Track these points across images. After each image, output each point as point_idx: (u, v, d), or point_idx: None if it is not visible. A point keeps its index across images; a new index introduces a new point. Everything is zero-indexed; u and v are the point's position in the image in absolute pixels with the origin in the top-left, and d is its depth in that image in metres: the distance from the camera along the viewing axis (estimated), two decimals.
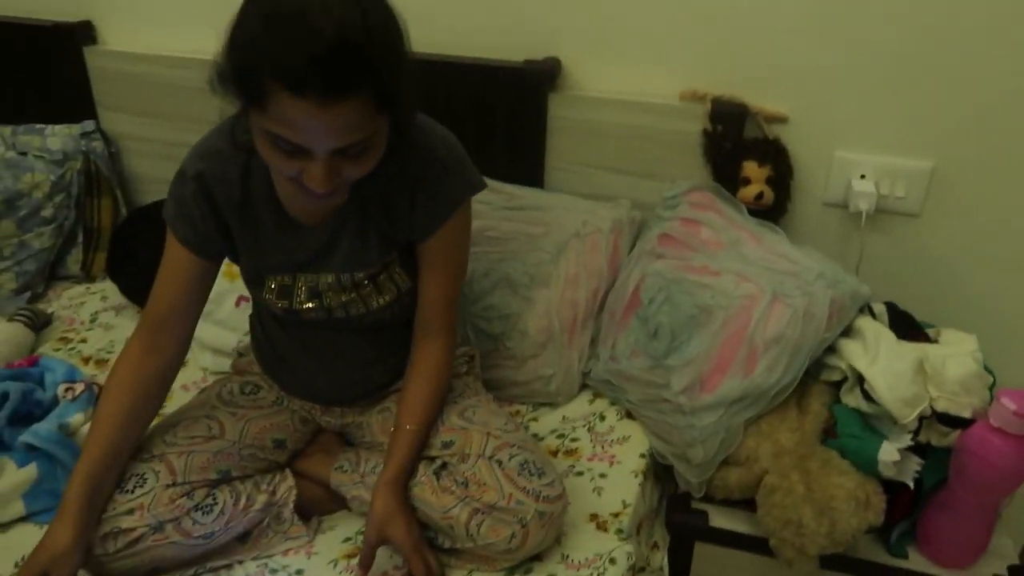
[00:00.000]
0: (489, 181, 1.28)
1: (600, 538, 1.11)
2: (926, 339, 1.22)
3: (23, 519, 1.16)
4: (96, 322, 1.63)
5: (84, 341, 1.57)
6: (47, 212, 1.68)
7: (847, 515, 1.10)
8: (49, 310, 1.65)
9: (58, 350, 1.53)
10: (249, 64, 0.83)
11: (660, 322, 1.29)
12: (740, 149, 1.39)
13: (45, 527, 1.13)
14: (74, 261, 1.75)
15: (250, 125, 0.90)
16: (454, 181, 1.07)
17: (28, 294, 1.67)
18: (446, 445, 1.10)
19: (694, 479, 1.24)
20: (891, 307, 1.27)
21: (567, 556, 1.08)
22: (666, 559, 1.25)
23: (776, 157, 1.38)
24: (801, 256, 1.27)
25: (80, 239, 1.75)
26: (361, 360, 1.18)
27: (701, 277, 1.30)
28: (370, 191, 1.04)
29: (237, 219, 1.06)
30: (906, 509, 1.17)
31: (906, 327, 1.23)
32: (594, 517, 1.15)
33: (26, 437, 1.21)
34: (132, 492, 1.03)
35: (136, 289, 1.62)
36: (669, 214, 1.40)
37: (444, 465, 1.09)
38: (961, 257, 1.39)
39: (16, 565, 1.08)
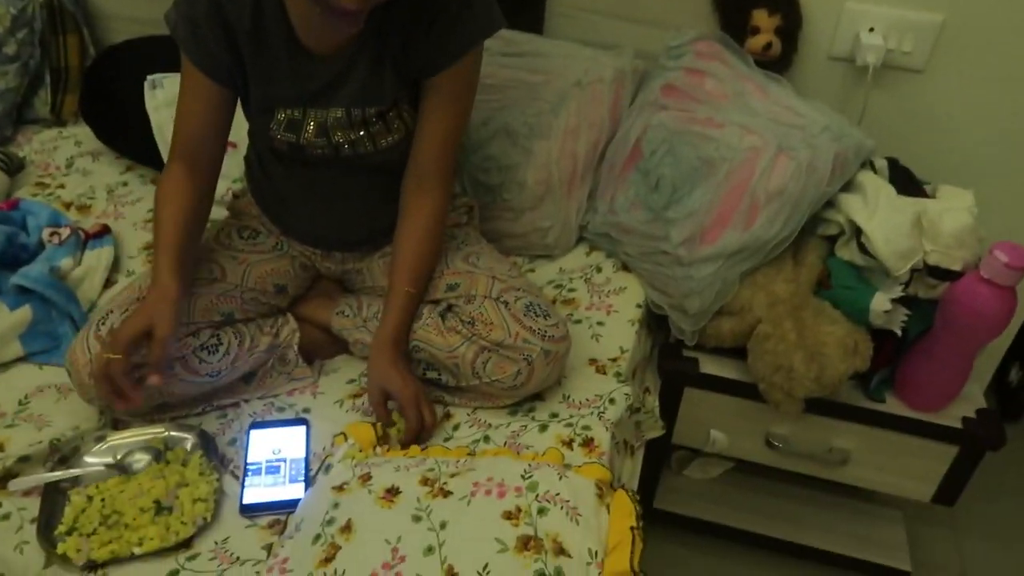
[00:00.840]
0: None
1: (600, 380, 1.15)
2: (924, 195, 1.24)
3: (22, 359, 1.15)
4: (73, 167, 1.56)
5: (62, 187, 1.51)
6: (9, 49, 1.56)
7: (836, 360, 1.15)
8: (20, 154, 1.57)
9: (36, 195, 1.48)
10: None
11: (662, 174, 1.28)
12: None
13: (45, 367, 1.14)
14: (42, 103, 1.65)
15: None
16: (475, 18, 1.01)
17: None
18: (451, 288, 1.11)
19: (688, 328, 1.27)
20: (892, 162, 1.27)
21: (568, 396, 1.12)
22: (657, 403, 1.30)
23: (787, 6, 1.33)
24: (807, 109, 1.26)
25: (47, 80, 1.64)
26: (366, 202, 1.15)
27: (705, 129, 1.28)
28: (388, 20, 0.99)
29: (249, 44, 1.01)
30: (889, 357, 1.22)
31: (905, 182, 1.24)
32: (593, 361, 1.18)
33: (17, 279, 1.18)
34: None
35: (113, 133, 1.55)
36: (673, 64, 1.36)
37: (450, 307, 1.09)
38: (962, 114, 1.38)
39: (20, 403, 1.09)
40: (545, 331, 1.05)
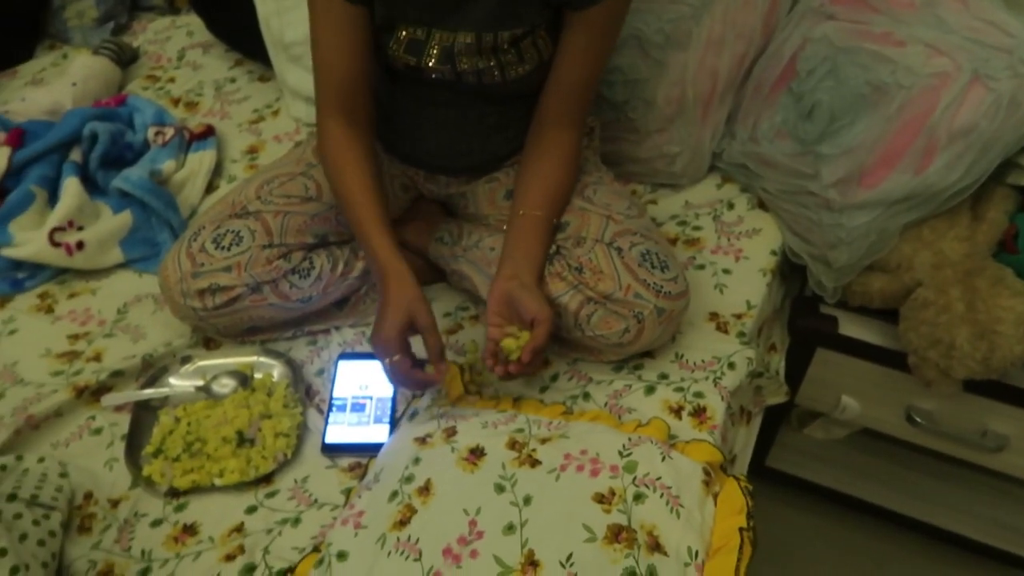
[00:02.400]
0: None
1: (719, 339, 1.02)
2: None
3: (122, 266, 1.14)
4: (184, 60, 1.52)
5: (172, 80, 1.47)
6: None
7: (1012, 341, 0.96)
8: (135, 44, 1.54)
9: (146, 88, 1.45)
10: None
11: (819, 99, 1.09)
12: None
13: (144, 274, 1.13)
14: None
15: None
16: None
17: (112, 24, 1.56)
18: (560, 227, 0.99)
19: (830, 284, 1.10)
20: None
21: (682, 356, 1.00)
22: (783, 363, 1.16)
23: None
24: (1020, 26, 1.01)
25: None
26: (482, 128, 1.04)
27: (881, 47, 1.06)
28: None
29: None
30: None
31: None
32: (714, 316, 1.05)
33: (118, 182, 1.16)
34: (228, 249, 0.97)
35: (222, 24, 1.49)
36: None
37: (557, 249, 0.98)
38: None
39: (118, 311, 1.08)
40: (661, 286, 0.92)
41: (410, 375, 0.89)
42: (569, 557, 0.72)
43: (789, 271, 1.21)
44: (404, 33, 0.93)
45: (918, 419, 1.15)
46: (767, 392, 1.10)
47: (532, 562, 0.72)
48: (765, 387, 1.09)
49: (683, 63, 1.16)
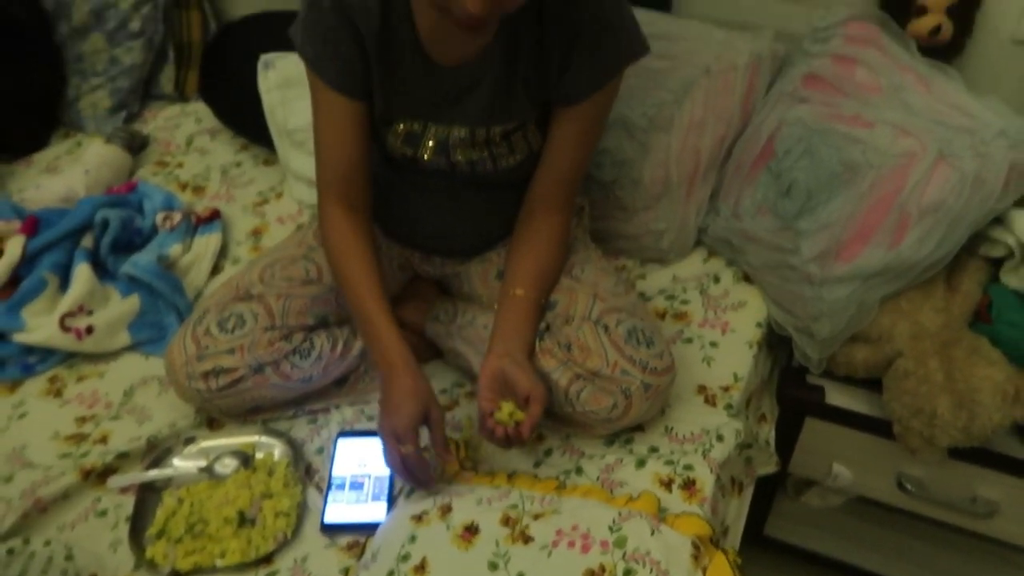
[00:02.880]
0: None
1: (708, 412, 1.05)
2: None
3: (129, 348, 1.18)
4: (192, 146, 1.59)
5: (181, 166, 1.54)
6: (135, 25, 1.59)
7: (990, 410, 0.99)
8: (145, 131, 1.61)
9: (156, 175, 1.51)
10: None
11: (795, 178, 1.14)
12: None
13: (151, 357, 1.16)
14: (167, 79, 1.69)
15: None
16: (619, 44, 0.93)
17: (124, 113, 1.64)
18: (550, 305, 1.03)
19: (815, 355, 1.14)
20: None
21: (671, 429, 1.03)
22: (773, 433, 1.18)
23: None
24: (980, 108, 1.07)
25: (171, 56, 1.68)
26: (475, 212, 1.09)
27: (851, 128, 1.12)
28: (522, 36, 0.91)
29: (376, 47, 0.93)
30: None
31: None
32: (702, 389, 1.08)
33: (127, 268, 1.21)
34: (232, 332, 1.01)
35: (229, 111, 1.56)
36: (819, 49, 1.20)
37: (547, 327, 1.02)
38: None
39: (125, 394, 1.12)
40: (647, 362, 0.96)
41: (421, 466, 0.91)
42: None
43: (776, 342, 1.24)
44: (402, 127, 1.00)
45: (908, 486, 1.17)
46: (757, 463, 1.12)
47: None
48: (755, 458, 1.11)
49: (667, 145, 1.23)
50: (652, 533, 0.82)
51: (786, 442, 1.21)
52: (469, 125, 0.98)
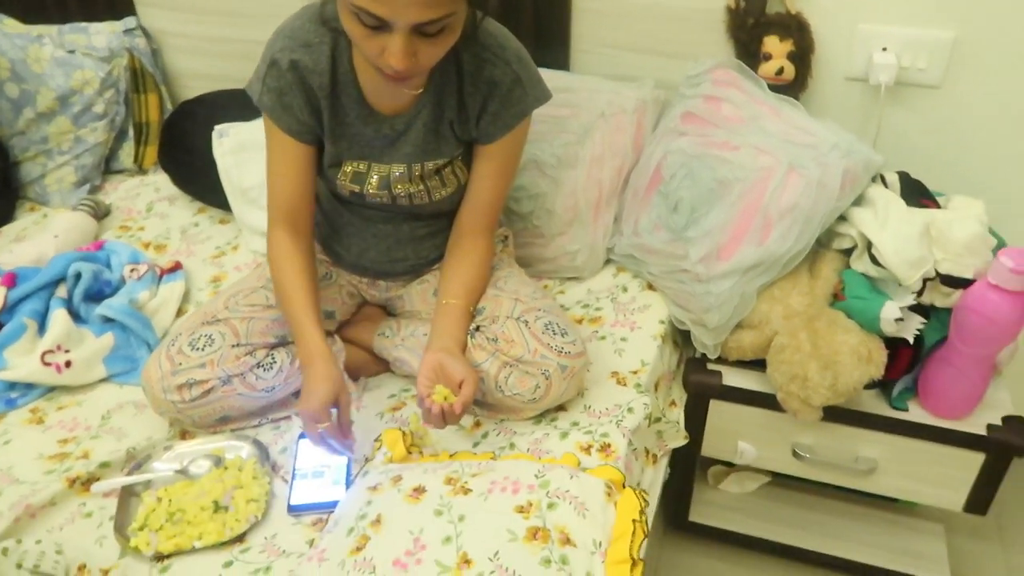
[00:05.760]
0: None
1: (620, 391, 1.22)
2: (936, 205, 1.27)
3: (105, 380, 1.31)
4: (152, 211, 1.74)
5: (142, 229, 1.69)
6: (99, 108, 1.77)
7: (850, 368, 1.18)
8: (108, 200, 1.77)
9: (119, 238, 1.65)
10: None
11: (680, 197, 1.36)
12: (762, 24, 1.41)
13: (125, 386, 1.29)
14: (127, 155, 1.85)
15: (337, 5, 0.96)
16: (525, 93, 1.13)
17: (88, 186, 1.79)
18: (479, 311, 1.20)
19: (710, 342, 1.33)
20: (904, 176, 1.31)
21: (589, 406, 1.19)
22: (682, 414, 1.36)
23: (798, 31, 1.39)
24: (818, 128, 1.31)
25: (131, 134, 1.85)
26: (413, 238, 1.28)
27: (721, 152, 1.35)
28: (446, 87, 1.11)
29: (326, 106, 1.13)
30: (907, 365, 1.24)
31: (917, 195, 1.28)
32: (615, 374, 1.25)
33: (101, 310, 1.35)
34: (203, 350, 1.15)
35: (187, 179, 1.73)
36: (692, 92, 1.44)
37: (477, 328, 1.19)
38: (979, 126, 1.41)
39: (102, 418, 1.24)
40: (562, 347, 1.13)
41: (337, 436, 1.08)
42: (496, 554, 0.88)
43: (682, 340, 1.44)
44: (349, 168, 1.18)
45: (802, 453, 1.34)
46: (668, 436, 1.29)
47: (466, 561, 0.88)
48: (665, 431, 1.28)
49: (574, 178, 1.44)
50: (571, 477, 0.98)
51: (697, 427, 1.39)
52: (406, 162, 1.17)
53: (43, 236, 1.58)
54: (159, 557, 1.01)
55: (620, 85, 1.52)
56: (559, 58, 1.59)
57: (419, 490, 0.99)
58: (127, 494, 1.10)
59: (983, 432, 1.23)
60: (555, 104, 1.50)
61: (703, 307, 1.32)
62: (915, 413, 1.27)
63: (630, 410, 1.18)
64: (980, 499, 1.29)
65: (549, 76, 1.54)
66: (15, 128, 1.75)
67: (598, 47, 1.57)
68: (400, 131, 1.15)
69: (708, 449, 1.42)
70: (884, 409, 1.28)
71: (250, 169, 1.58)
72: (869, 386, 1.24)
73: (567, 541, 0.90)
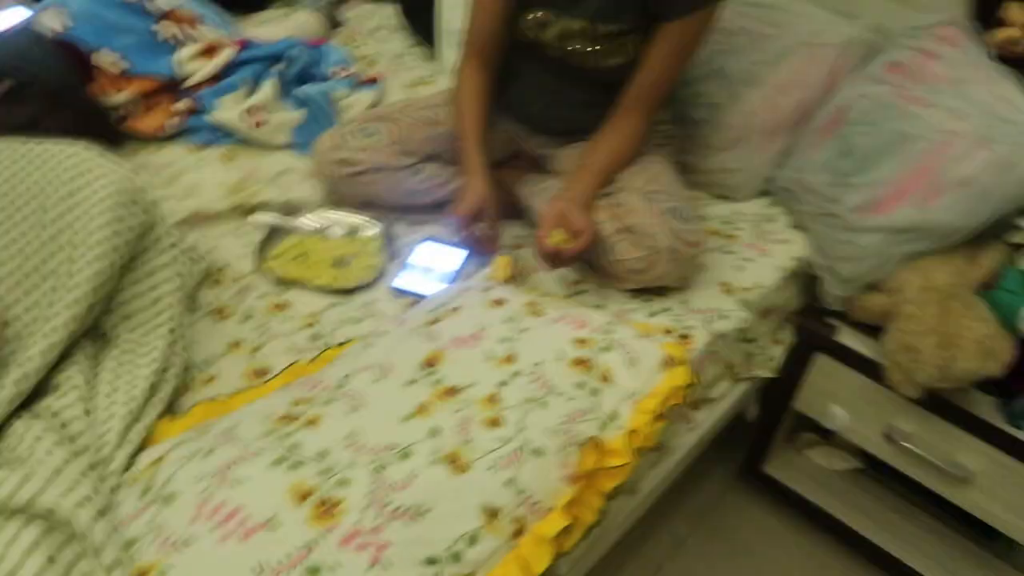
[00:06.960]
0: None
1: (722, 299, 1.23)
2: None
3: (288, 147, 1.50)
4: (375, 35, 1.92)
5: (360, 46, 1.87)
6: None
7: (968, 355, 1.11)
8: (347, 15, 1.97)
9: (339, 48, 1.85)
10: None
11: (856, 143, 1.30)
12: None
13: (301, 156, 1.47)
14: None
15: None
16: None
17: None
18: (613, 181, 1.25)
19: (836, 292, 1.29)
20: None
21: (686, 301, 1.21)
22: (783, 355, 1.34)
23: None
24: None
25: None
26: (575, 102, 1.32)
27: (912, 106, 1.27)
28: None
29: None
30: None
31: None
32: (725, 284, 1.25)
33: (302, 91, 1.53)
34: (367, 139, 1.30)
35: (412, 12, 1.88)
36: (908, 43, 1.35)
37: (607, 194, 1.23)
38: None
39: (278, 173, 1.43)
40: (679, 231, 1.15)
41: (480, 241, 1.22)
42: (539, 363, 0.95)
43: (810, 286, 1.39)
44: (532, 15, 1.25)
45: (895, 437, 1.28)
46: (757, 362, 1.29)
47: (510, 358, 0.96)
48: (755, 355, 1.27)
49: (754, 99, 1.42)
50: (635, 336, 1.03)
51: (795, 378, 1.36)
52: (587, 18, 1.21)
53: (281, 26, 1.80)
54: (280, 281, 1.18)
55: (834, 17, 1.45)
56: None
57: (500, 301, 1.08)
58: (274, 230, 1.28)
59: None
60: (762, 20, 1.48)
61: (842, 255, 1.28)
62: None
63: (724, 316, 1.19)
64: None
65: None
66: None
67: None
68: None
69: (801, 404, 1.39)
70: (998, 420, 1.19)
71: (459, 14, 1.69)
72: (988, 391, 1.16)
73: (606, 379, 0.95)
